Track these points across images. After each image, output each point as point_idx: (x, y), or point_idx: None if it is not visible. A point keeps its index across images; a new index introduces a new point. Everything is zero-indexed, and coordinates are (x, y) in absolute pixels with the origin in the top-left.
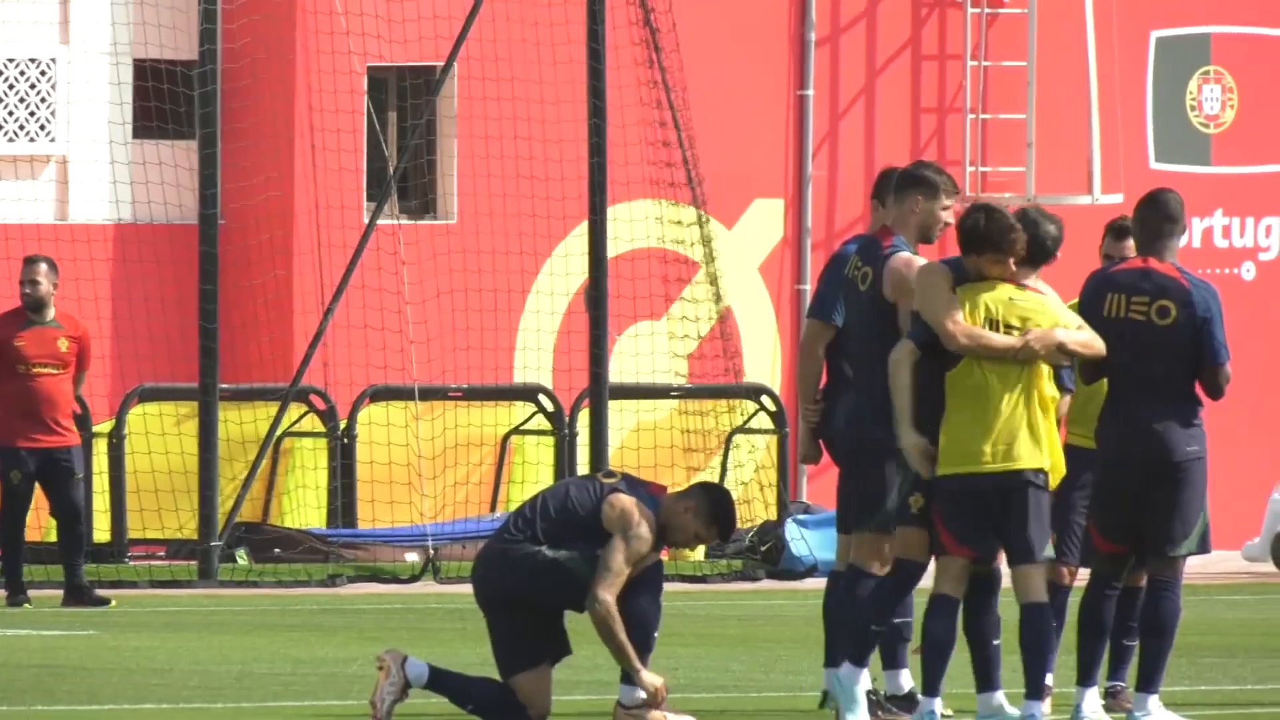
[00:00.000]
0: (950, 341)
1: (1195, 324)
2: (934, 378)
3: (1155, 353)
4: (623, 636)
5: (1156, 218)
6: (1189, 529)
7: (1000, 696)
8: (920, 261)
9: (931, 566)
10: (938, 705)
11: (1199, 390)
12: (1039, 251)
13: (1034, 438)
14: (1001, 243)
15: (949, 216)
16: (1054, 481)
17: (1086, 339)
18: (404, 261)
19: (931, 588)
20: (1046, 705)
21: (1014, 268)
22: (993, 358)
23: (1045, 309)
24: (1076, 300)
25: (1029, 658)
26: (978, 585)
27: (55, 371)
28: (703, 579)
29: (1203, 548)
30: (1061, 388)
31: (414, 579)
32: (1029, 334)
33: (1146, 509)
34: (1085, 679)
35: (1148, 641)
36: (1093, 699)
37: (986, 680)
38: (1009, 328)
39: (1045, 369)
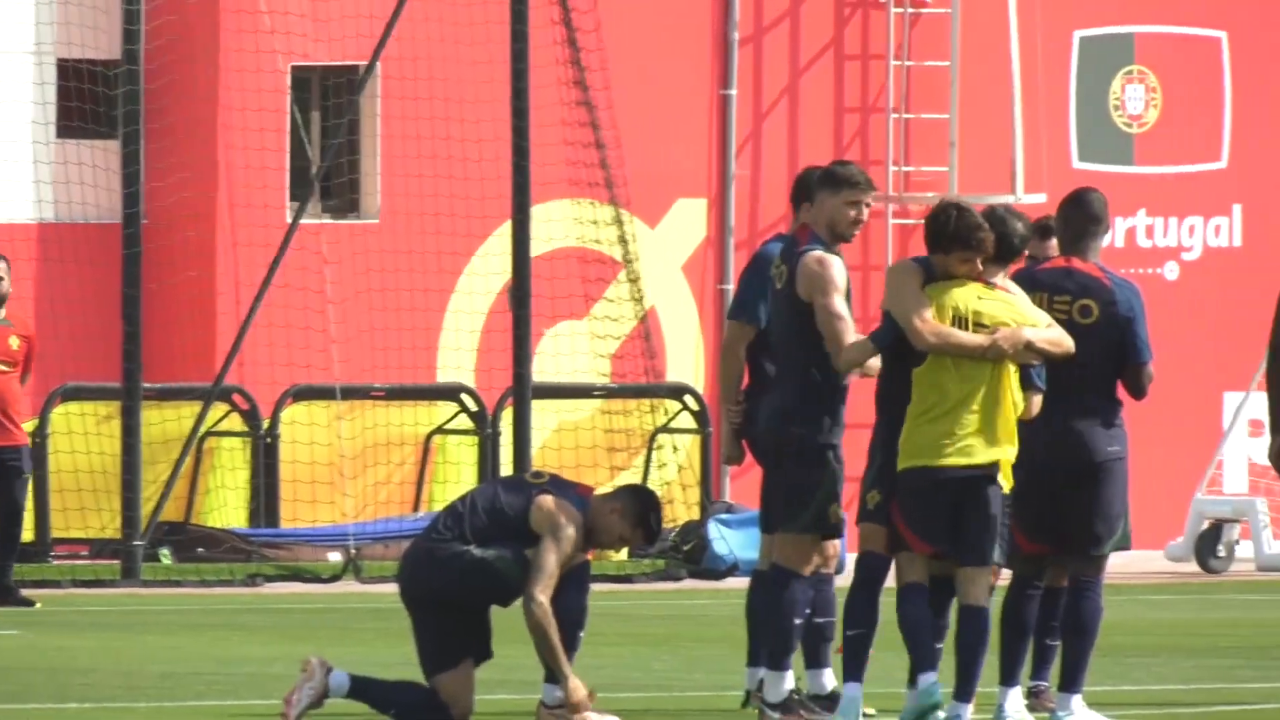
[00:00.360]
0: (918, 339)
1: (1118, 324)
2: (901, 381)
3: (1078, 352)
4: (556, 640)
5: (1080, 217)
6: (1111, 529)
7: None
8: (834, 260)
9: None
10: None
11: (1120, 390)
12: (1006, 249)
13: (996, 437)
14: (970, 240)
15: (860, 214)
16: (1006, 485)
17: (1055, 337)
18: (327, 261)
19: (896, 582)
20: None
21: (981, 266)
22: (960, 356)
23: (1014, 307)
24: None
25: (965, 659)
26: (938, 586)
27: (6, 369)
28: (626, 579)
29: (1123, 546)
30: (1032, 386)
31: (335, 579)
32: (997, 333)
33: (1068, 509)
34: (1008, 679)
35: (1070, 641)
36: (1016, 698)
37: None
38: (978, 326)
39: (1012, 368)
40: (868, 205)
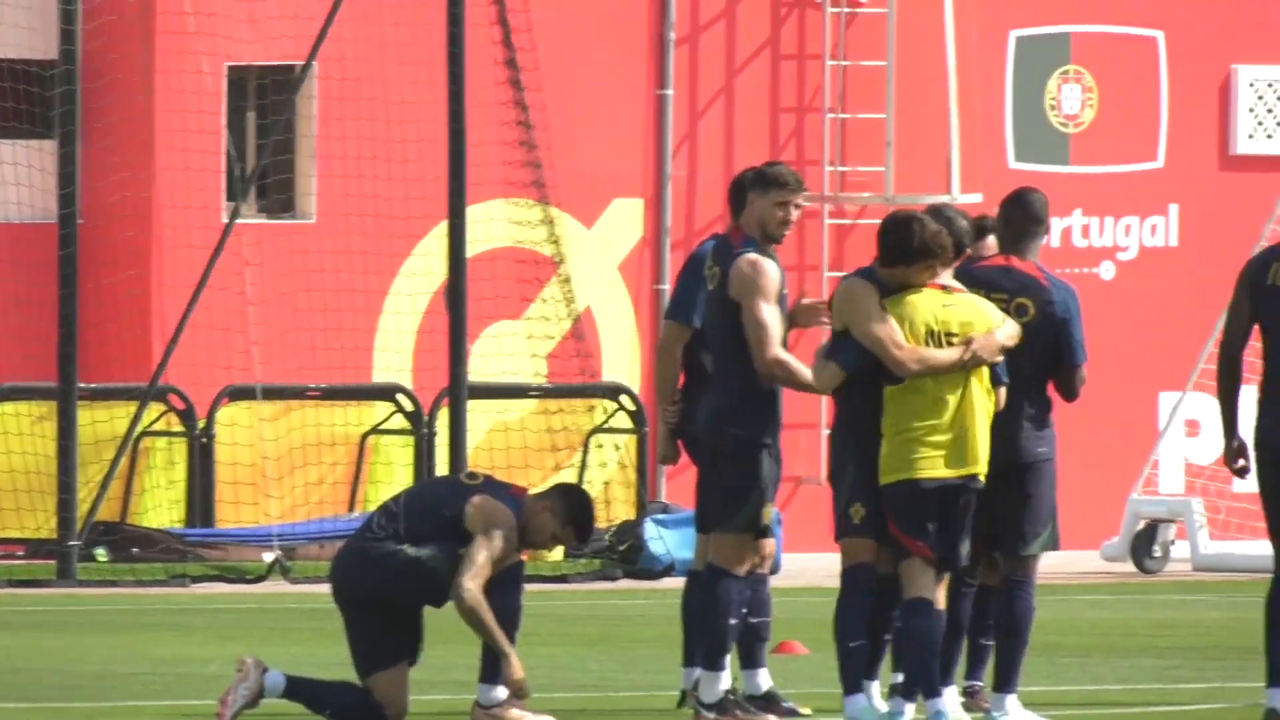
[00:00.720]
0: (900, 369)
1: (1054, 324)
2: (866, 397)
3: (1012, 352)
4: (492, 622)
5: (1022, 217)
6: (1040, 528)
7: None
8: (767, 264)
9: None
10: (945, 702)
11: (1051, 390)
12: (954, 249)
13: (977, 442)
14: (936, 250)
15: (789, 215)
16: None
17: (1014, 330)
18: (248, 262)
19: (904, 594)
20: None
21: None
22: (941, 374)
23: (979, 311)
24: None
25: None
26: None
27: None
28: (561, 579)
29: (1051, 546)
30: (997, 381)
31: (260, 579)
32: (972, 343)
33: (997, 508)
34: (943, 678)
35: (1003, 641)
36: (951, 698)
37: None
38: (948, 335)
39: (984, 370)
40: (797, 206)
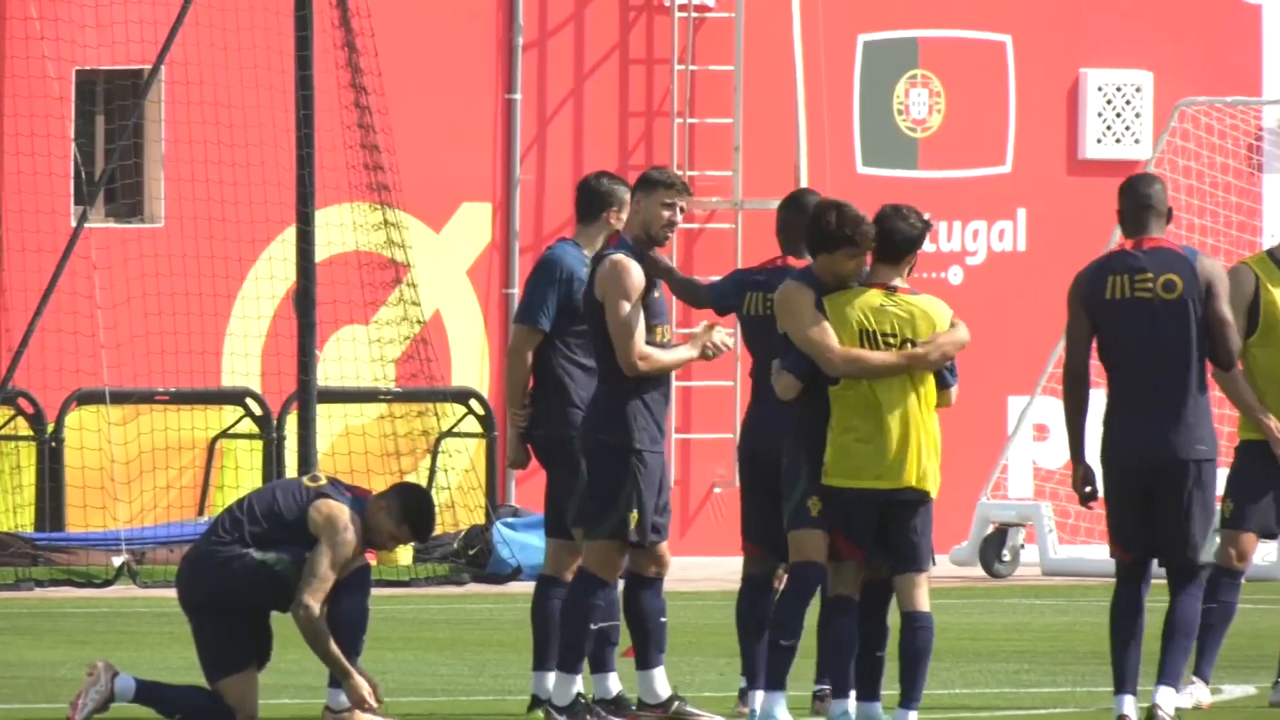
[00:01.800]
0: (831, 369)
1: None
2: (819, 401)
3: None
4: (329, 643)
5: (800, 220)
6: None
7: (879, 708)
8: (631, 265)
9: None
10: (850, 705)
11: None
12: (904, 246)
13: (923, 450)
14: (855, 236)
15: (674, 215)
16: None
17: (964, 338)
18: (96, 266)
19: (828, 593)
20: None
21: (868, 261)
22: (876, 378)
23: (922, 311)
24: None
25: (907, 666)
26: (872, 594)
27: None
28: (409, 582)
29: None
30: (943, 383)
31: (108, 583)
32: (921, 349)
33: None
34: (754, 681)
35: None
36: (769, 698)
37: (870, 689)
38: (885, 335)
39: (930, 375)
40: (682, 208)
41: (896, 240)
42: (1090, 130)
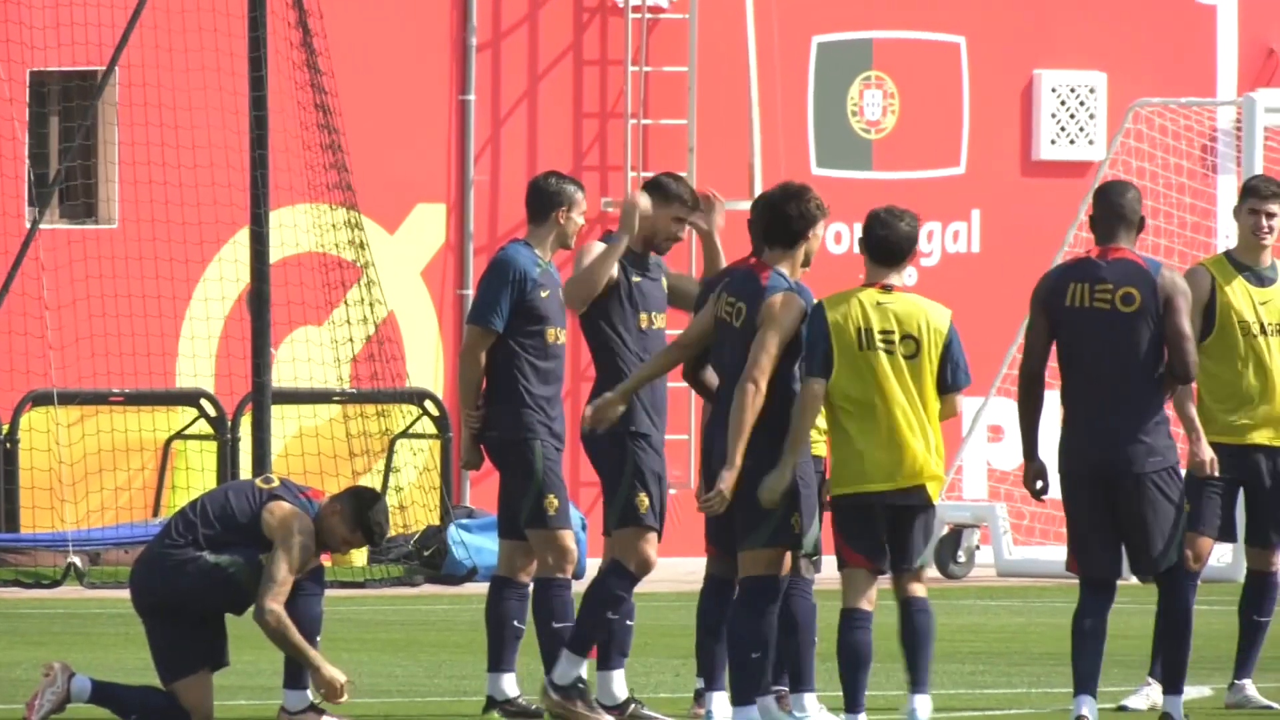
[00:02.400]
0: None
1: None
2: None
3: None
4: (298, 639)
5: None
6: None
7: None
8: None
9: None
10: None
11: None
12: (899, 247)
13: (926, 451)
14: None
15: (679, 231)
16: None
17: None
18: (44, 268)
19: (842, 603)
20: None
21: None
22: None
23: (919, 308)
24: None
25: (912, 651)
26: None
27: None
28: (364, 584)
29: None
30: (950, 388)
31: (56, 584)
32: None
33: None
34: (712, 683)
35: (788, 642)
36: (720, 701)
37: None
38: (884, 334)
39: (930, 376)
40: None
41: (892, 242)
42: (1044, 131)
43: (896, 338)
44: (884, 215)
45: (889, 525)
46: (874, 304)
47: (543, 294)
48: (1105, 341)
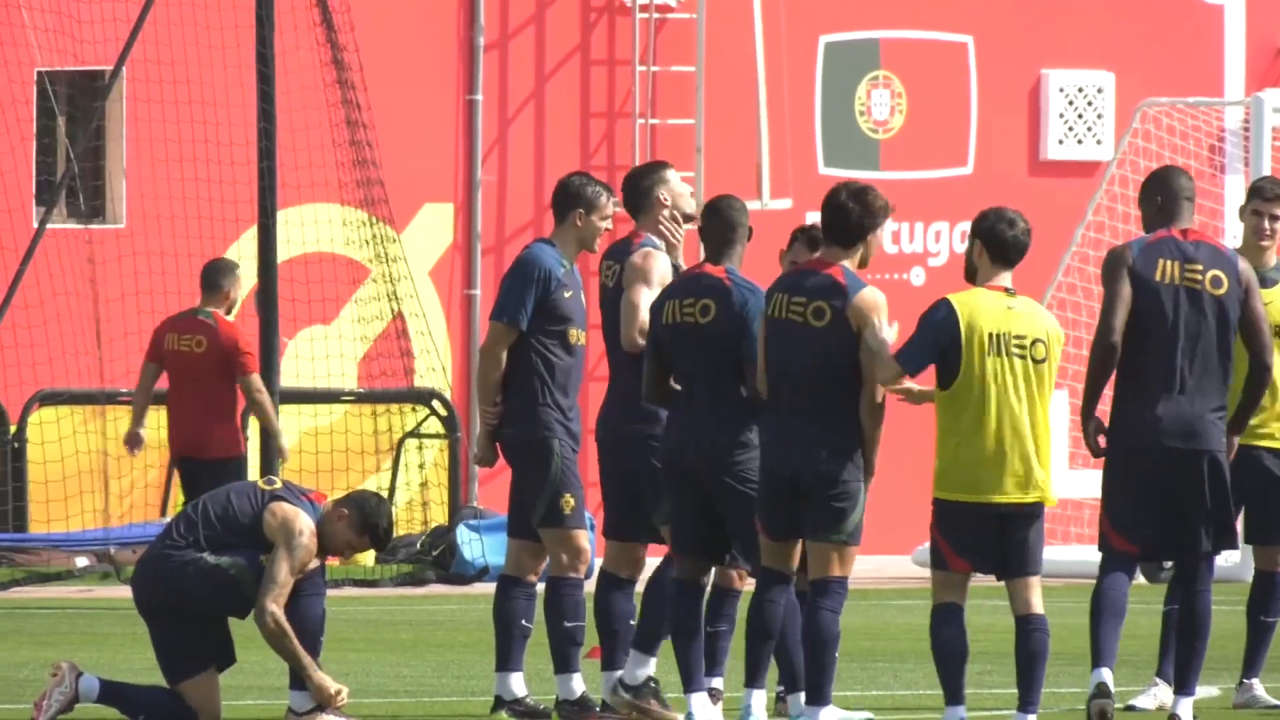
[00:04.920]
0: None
1: (736, 323)
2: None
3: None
4: (295, 645)
5: (720, 226)
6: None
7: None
8: (660, 255)
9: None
10: (963, 711)
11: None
12: (1014, 249)
13: (1034, 457)
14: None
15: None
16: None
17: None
18: (52, 267)
19: (934, 599)
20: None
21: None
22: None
23: (1041, 313)
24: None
25: (1026, 669)
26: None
27: None
28: (373, 583)
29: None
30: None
31: (65, 577)
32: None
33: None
34: (753, 680)
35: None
36: (760, 700)
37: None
38: (1016, 340)
39: (1052, 382)
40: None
41: (1024, 241)
42: (1052, 131)
43: (1027, 342)
44: (1011, 215)
45: (1000, 532)
46: (1005, 309)
47: (566, 294)
48: (1192, 320)
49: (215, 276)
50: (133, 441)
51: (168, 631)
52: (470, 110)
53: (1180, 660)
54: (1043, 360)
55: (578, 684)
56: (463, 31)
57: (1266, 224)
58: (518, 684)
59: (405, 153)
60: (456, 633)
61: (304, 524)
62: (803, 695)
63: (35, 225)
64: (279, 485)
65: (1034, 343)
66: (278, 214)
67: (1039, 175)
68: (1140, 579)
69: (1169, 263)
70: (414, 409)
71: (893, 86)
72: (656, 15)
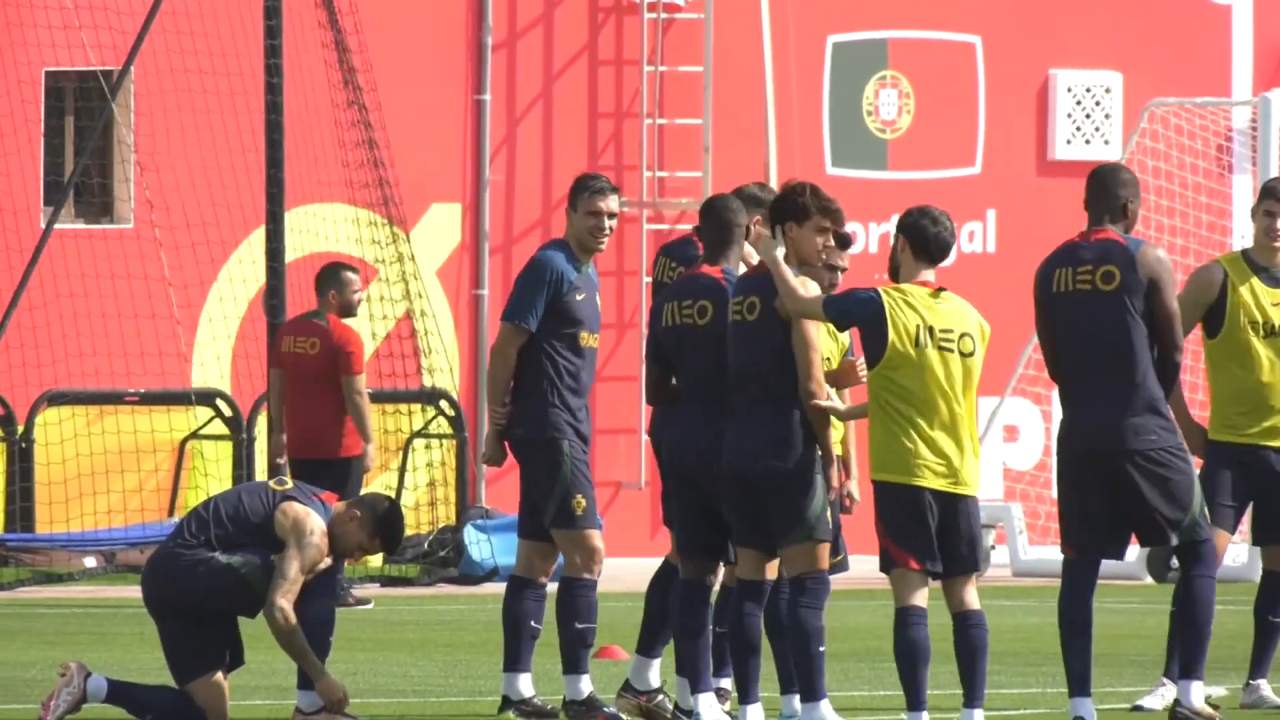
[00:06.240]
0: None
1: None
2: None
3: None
4: (304, 643)
5: (716, 226)
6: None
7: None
8: None
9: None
10: (796, 704)
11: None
12: (940, 248)
13: (967, 447)
14: (829, 209)
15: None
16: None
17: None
18: (67, 268)
19: (895, 601)
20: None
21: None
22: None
23: (968, 308)
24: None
25: (967, 664)
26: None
27: None
28: (382, 580)
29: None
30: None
31: (78, 576)
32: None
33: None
34: (745, 697)
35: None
36: (757, 713)
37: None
38: (943, 334)
39: (976, 374)
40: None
41: (945, 240)
42: (1060, 131)
43: (954, 336)
44: (936, 213)
45: (939, 524)
46: (930, 302)
47: (578, 297)
48: (1087, 323)
49: (320, 280)
50: (276, 450)
51: (176, 631)
52: (478, 110)
53: (1182, 645)
54: (970, 354)
55: (586, 685)
56: (471, 31)
57: (1277, 225)
58: (525, 684)
59: (413, 153)
60: (464, 633)
61: (315, 524)
62: (795, 697)
63: (43, 225)
64: (290, 485)
65: (962, 336)
66: (286, 214)
67: (1047, 175)
68: (1147, 579)
69: (1063, 271)
70: (422, 409)
71: (901, 86)
72: (664, 15)
